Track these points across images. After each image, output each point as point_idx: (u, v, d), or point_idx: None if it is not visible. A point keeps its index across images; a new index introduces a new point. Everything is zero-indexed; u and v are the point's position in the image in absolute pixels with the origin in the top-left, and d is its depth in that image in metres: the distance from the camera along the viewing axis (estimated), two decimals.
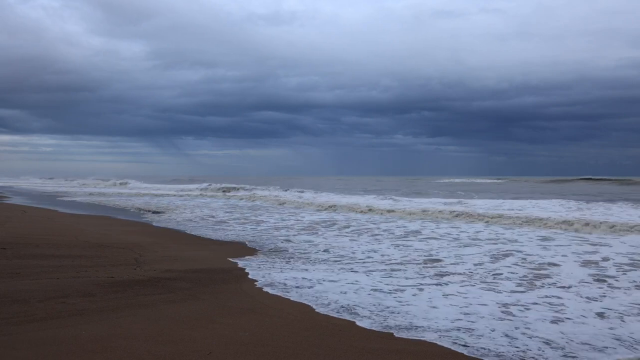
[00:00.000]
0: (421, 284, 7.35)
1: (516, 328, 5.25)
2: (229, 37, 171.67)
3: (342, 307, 6.04)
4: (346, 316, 5.67)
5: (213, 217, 19.19)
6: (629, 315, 5.77)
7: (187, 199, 32.21)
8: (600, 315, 5.79)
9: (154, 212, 21.59)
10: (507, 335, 5.01)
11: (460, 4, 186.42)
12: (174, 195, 36.67)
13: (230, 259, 9.44)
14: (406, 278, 7.80)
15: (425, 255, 10.06)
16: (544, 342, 4.83)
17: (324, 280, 7.53)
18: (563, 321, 5.53)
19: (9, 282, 6.78)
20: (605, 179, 61.72)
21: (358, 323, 5.41)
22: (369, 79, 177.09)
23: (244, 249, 11.00)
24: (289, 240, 12.31)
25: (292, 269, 8.53)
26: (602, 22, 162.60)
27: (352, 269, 8.61)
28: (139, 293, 6.54)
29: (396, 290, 6.96)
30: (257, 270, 8.36)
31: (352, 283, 7.38)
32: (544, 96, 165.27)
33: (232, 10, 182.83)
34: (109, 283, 7.01)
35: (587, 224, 14.13)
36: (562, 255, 9.98)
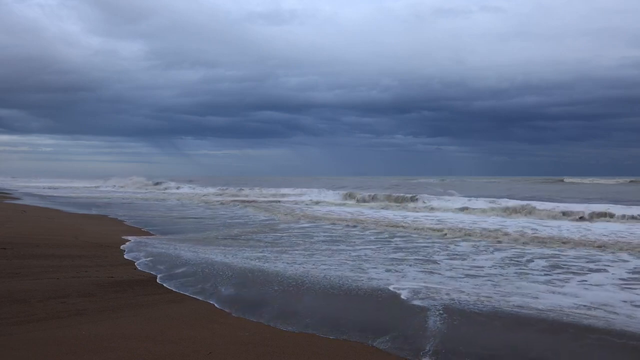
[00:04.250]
0: None
1: None
2: (228, 36, 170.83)
3: None
4: None
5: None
6: None
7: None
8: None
9: None
10: None
11: (460, 3, 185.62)
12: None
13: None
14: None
15: None
16: None
17: None
18: None
19: (9, 282, 6.78)
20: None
21: None
22: (369, 78, 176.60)
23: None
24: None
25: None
26: (603, 21, 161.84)
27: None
28: (138, 293, 6.54)
29: None
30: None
31: None
32: (544, 96, 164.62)
33: (230, 9, 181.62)
34: (109, 283, 7.01)
35: None
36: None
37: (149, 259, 8.94)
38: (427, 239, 12.61)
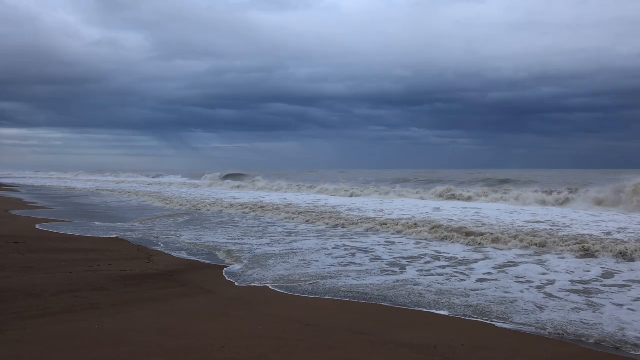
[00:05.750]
0: None
1: None
2: (233, 26, 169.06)
3: None
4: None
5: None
6: None
7: None
8: None
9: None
10: None
11: None
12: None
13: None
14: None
15: None
16: None
17: None
18: None
19: (23, 276, 6.81)
20: None
21: None
22: (381, 70, 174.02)
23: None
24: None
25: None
26: (622, 10, 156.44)
27: None
28: (151, 287, 6.53)
29: None
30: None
31: None
32: (562, 87, 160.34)
33: None
34: (121, 277, 7.02)
35: None
36: None
37: None
38: None
